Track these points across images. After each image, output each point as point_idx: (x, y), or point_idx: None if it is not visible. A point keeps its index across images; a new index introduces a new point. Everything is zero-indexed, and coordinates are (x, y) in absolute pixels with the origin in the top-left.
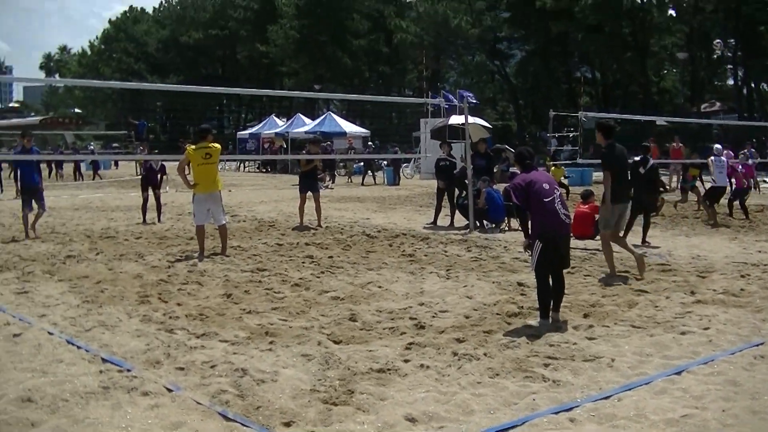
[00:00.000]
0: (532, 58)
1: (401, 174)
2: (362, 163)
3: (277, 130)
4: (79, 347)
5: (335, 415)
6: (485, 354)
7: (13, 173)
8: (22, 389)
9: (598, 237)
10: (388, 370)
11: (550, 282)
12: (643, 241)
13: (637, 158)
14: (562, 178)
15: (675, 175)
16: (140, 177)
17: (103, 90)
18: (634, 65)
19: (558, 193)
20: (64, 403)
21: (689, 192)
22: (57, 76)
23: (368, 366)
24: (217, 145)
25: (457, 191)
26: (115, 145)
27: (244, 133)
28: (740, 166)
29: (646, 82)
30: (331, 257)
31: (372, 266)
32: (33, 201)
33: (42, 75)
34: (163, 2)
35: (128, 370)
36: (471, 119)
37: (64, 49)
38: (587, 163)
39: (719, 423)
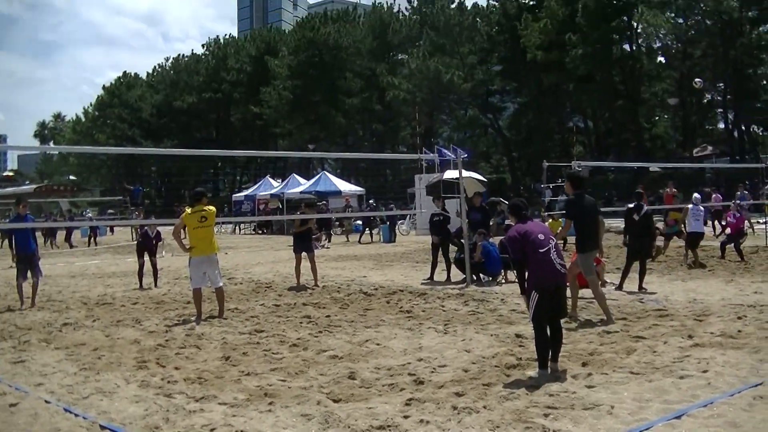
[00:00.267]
0: (525, 110)
1: (397, 231)
2: (360, 222)
3: (273, 191)
4: (77, 415)
5: None
6: (485, 407)
7: (7, 241)
8: None
9: None
10: (389, 426)
11: (548, 332)
12: (640, 287)
13: (630, 205)
14: (559, 230)
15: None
16: (136, 243)
17: (97, 156)
18: (625, 113)
19: (553, 243)
20: None
21: (674, 237)
22: (51, 143)
23: (368, 423)
24: (212, 208)
25: (455, 247)
26: (110, 211)
27: (239, 195)
28: (731, 216)
29: (638, 129)
30: (328, 316)
31: (370, 324)
32: (28, 270)
33: (36, 143)
34: (157, 67)
35: None
36: (465, 173)
37: (58, 116)
38: None
39: None
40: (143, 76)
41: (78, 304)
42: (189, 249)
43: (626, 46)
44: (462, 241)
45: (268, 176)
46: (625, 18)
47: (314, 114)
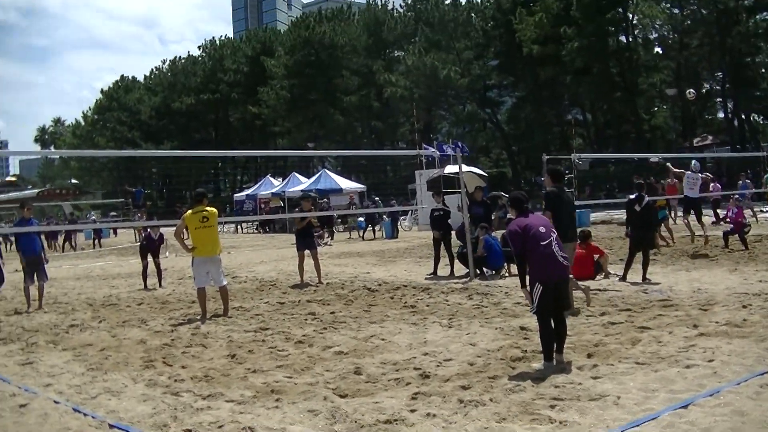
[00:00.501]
0: (523, 104)
1: (399, 226)
2: (362, 219)
3: (274, 190)
4: (85, 414)
5: None
6: (491, 399)
7: (15, 245)
8: None
9: (598, 277)
10: (395, 420)
11: (553, 324)
12: (644, 278)
13: (632, 196)
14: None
15: (672, 212)
16: (139, 245)
17: (98, 159)
18: (624, 104)
19: (555, 236)
20: None
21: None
22: (52, 148)
23: (375, 418)
24: (213, 209)
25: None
26: (113, 213)
27: (240, 195)
28: (731, 211)
29: (637, 121)
30: (333, 313)
31: (374, 319)
32: (35, 273)
33: (37, 148)
34: (154, 70)
35: None
36: (466, 168)
37: (58, 121)
38: (584, 204)
39: None
40: (141, 79)
41: (84, 306)
42: (191, 249)
43: (622, 38)
44: (465, 237)
45: (268, 175)
46: (620, 9)
47: (312, 112)
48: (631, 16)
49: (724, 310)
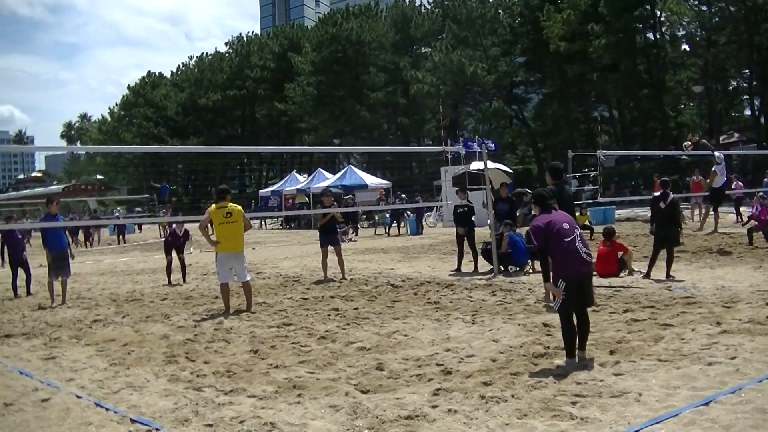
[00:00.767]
0: (550, 101)
1: (424, 223)
2: (389, 215)
3: (299, 186)
4: (107, 409)
5: None
6: (513, 396)
7: (41, 240)
8: None
9: (621, 274)
10: (416, 416)
11: (575, 321)
12: (668, 275)
13: (657, 193)
14: (587, 222)
15: (696, 209)
16: (164, 241)
17: (124, 155)
18: (651, 102)
19: (578, 233)
20: None
21: None
22: (78, 143)
23: (396, 413)
24: (239, 207)
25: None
26: (138, 209)
27: (266, 191)
28: (754, 208)
29: (663, 118)
30: (356, 309)
31: (397, 315)
32: (59, 269)
33: (63, 143)
34: (181, 66)
35: (157, 430)
36: (491, 165)
37: (84, 116)
38: (609, 201)
39: None
40: (167, 75)
41: (107, 301)
42: (215, 243)
43: (650, 35)
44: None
45: (294, 171)
46: (647, 6)
47: (339, 109)
48: (658, 13)
49: (748, 308)
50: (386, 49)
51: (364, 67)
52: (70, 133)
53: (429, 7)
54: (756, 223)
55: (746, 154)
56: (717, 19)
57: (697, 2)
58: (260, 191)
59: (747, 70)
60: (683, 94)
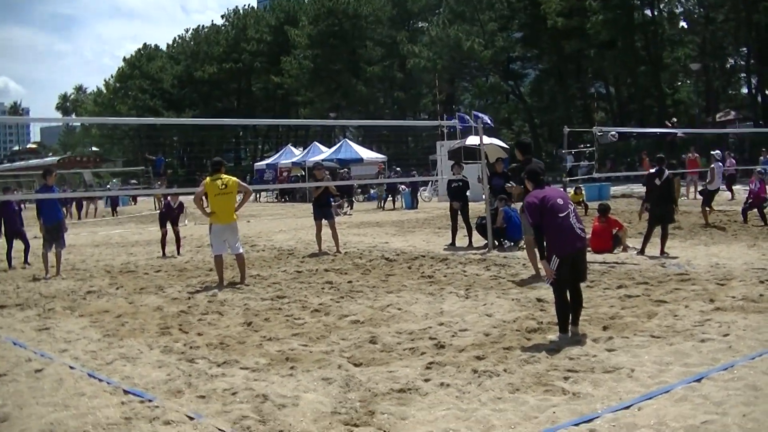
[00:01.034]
0: (546, 77)
1: (419, 197)
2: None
3: (294, 159)
4: (100, 380)
5: None
6: (505, 370)
7: (36, 212)
8: (44, 423)
9: (616, 250)
10: (409, 389)
11: (569, 296)
12: (662, 251)
13: (652, 170)
14: (581, 200)
15: (692, 186)
16: (159, 213)
17: (119, 127)
18: (647, 78)
19: (572, 208)
20: None
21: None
22: (73, 115)
23: (389, 387)
24: (234, 178)
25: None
26: (133, 181)
27: (261, 164)
28: (753, 184)
29: (660, 95)
30: (350, 282)
31: (391, 289)
32: (54, 240)
33: (59, 115)
34: (177, 38)
35: (150, 401)
36: (487, 140)
37: (79, 88)
38: (605, 178)
39: (740, 428)
40: (163, 47)
41: (102, 273)
42: (210, 213)
43: (648, 12)
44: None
45: (289, 145)
46: None
47: (335, 83)
48: None
49: (741, 285)
50: (383, 23)
51: (360, 40)
52: (65, 105)
53: None
54: (752, 199)
55: (743, 132)
56: None
57: None
58: (255, 164)
59: (745, 48)
60: (680, 72)
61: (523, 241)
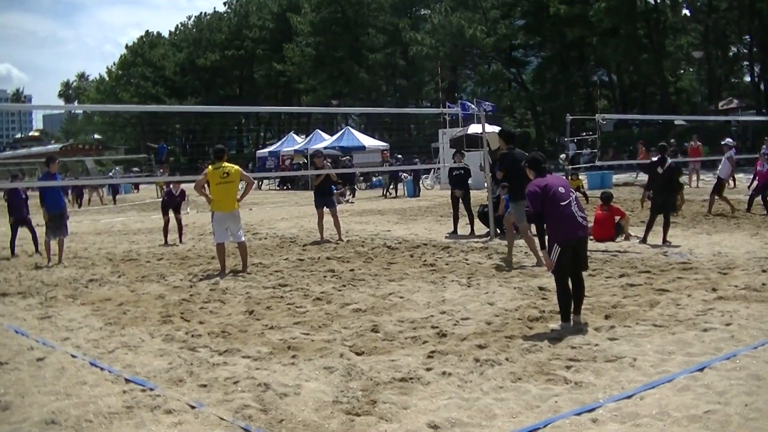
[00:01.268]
0: (549, 65)
1: (421, 185)
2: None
3: (296, 147)
4: (102, 368)
5: (358, 426)
6: (507, 359)
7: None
8: (46, 412)
9: (618, 239)
10: (411, 378)
11: (571, 285)
12: (664, 240)
13: (654, 159)
14: (581, 187)
15: (694, 174)
16: (161, 201)
17: (122, 115)
18: (650, 66)
19: (574, 196)
20: (88, 425)
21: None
22: (76, 103)
23: (390, 375)
24: (236, 167)
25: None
26: (135, 169)
27: (263, 152)
28: (760, 165)
29: (663, 83)
30: (352, 270)
31: (393, 277)
32: (56, 228)
33: (61, 103)
34: (179, 26)
35: (151, 389)
36: (489, 128)
37: (82, 76)
38: (607, 166)
39: (742, 417)
40: (166, 35)
41: (104, 261)
42: (211, 201)
43: None
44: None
45: (291, 132)
46: None
47: (337, 70)
48: None
49: (744, 274)
50: (385, 11)
51: (363, 28)
52: (67, 93)
53: None
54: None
55: (745, 120)
56: None
57: None
58: (257, 152)
59: (747, 37)
60: (683, 60)
61: (533, 229)
